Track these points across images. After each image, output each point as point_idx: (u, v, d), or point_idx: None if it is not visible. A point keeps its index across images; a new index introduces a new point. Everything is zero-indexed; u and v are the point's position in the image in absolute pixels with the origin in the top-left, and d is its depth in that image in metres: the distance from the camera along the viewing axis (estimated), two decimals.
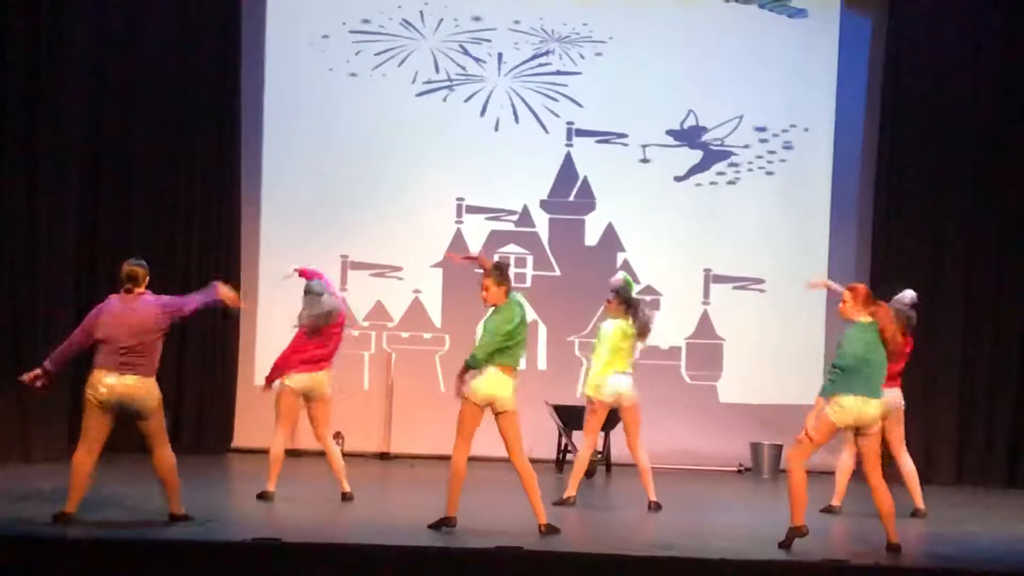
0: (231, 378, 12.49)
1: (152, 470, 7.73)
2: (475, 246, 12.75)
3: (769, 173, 13.02)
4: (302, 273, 9.31)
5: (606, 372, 9.21)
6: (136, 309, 7.57)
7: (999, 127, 12.42)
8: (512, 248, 12.89)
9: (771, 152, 13.02)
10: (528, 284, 12.80)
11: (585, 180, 12.97)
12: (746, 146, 13.00)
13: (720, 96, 12.95)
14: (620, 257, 12.93)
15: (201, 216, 12.49)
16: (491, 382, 7.69)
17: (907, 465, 9.45)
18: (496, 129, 12.93)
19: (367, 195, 12.78)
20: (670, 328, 12.75)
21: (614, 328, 9.29)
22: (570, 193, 13.00)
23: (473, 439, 7.81)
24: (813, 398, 7.81)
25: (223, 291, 7.91)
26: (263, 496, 8.96)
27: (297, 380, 9.01)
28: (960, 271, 12.46)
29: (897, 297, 9.18)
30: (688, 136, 13.00)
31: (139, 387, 7.51)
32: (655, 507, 9.30)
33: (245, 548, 6.79)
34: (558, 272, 12.97)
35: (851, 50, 12.92)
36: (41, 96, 10.91)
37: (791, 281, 12.83)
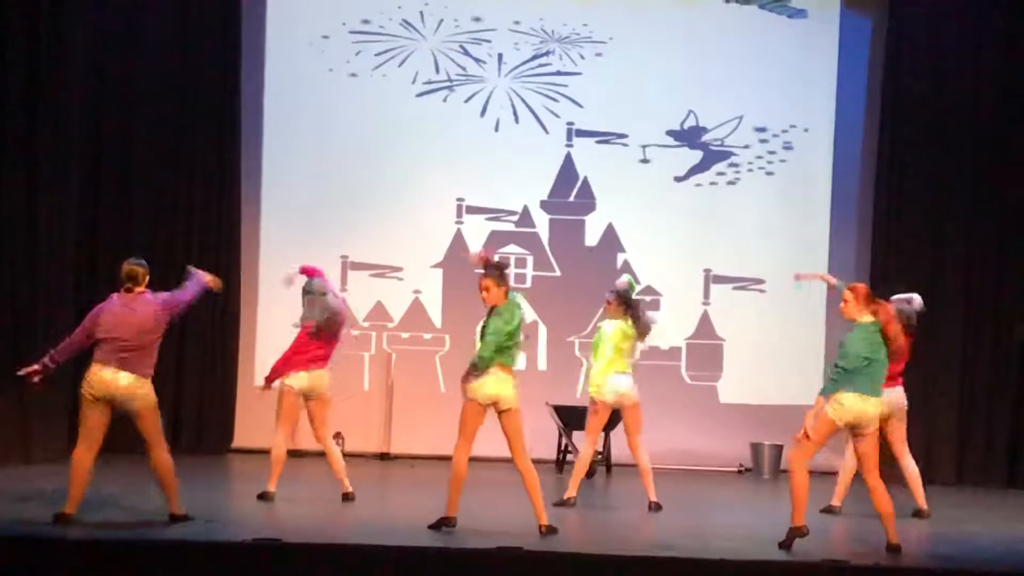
0: (231, 378, 12.49)
1: (151, 471, 7.73)
2: (475, 247, 12.75)
3: (769, 173, 13.02)
4: (304, 271, 9.30)
5: (608, 373, 9.22)
6: (137, 308, 7.58)
7: (999, 127, 12.42)
8: (512, 248, 12.89)
9: (771, 152, 13.02)
10: (528, 284, 12.81)
11: (585, 180, 12.97)
12: (746, 146, 13.00)
13: (720, 96, 12.95)
14: (620, 257, 12.94)
15: (201, 216, 12.49)
16: (493, 381, 7.70)
17: (910, 465, 9.45)
18: (496, 129, 12.93)
19: (367, 195, 12.78)
20: (670, 328, 12.75)
21: (614, 329, 9.29)
22: (570, 193, 13.00)
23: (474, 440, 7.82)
24: (813, 398, 7.80)
25: (205, 277, 7.93)
26: (263, 496, 8.96)
27: (298, 379, 9.01)
28: (960, 271, 12.47)
29: (897, 296, 9.17)
30: (688, 136, 13.00)
31: (134, 386, 7.51)
32: (655, 507, 9.30)
33: (245, 548, 6.78)
34: (558, 272, 12.97)
35: (851, 50, 12.92)
36: (41, 96, 10.90)
37: (791, 281, 12.81)
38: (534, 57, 12.98)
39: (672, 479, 11.12)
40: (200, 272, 8.01)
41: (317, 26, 12.85)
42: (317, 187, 12.78)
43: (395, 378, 12.71)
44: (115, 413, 7.59)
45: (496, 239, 12.85)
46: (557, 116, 12.97)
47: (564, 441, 11.91)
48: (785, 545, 7.56)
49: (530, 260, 12.93)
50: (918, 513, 9.39)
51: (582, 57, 12.98)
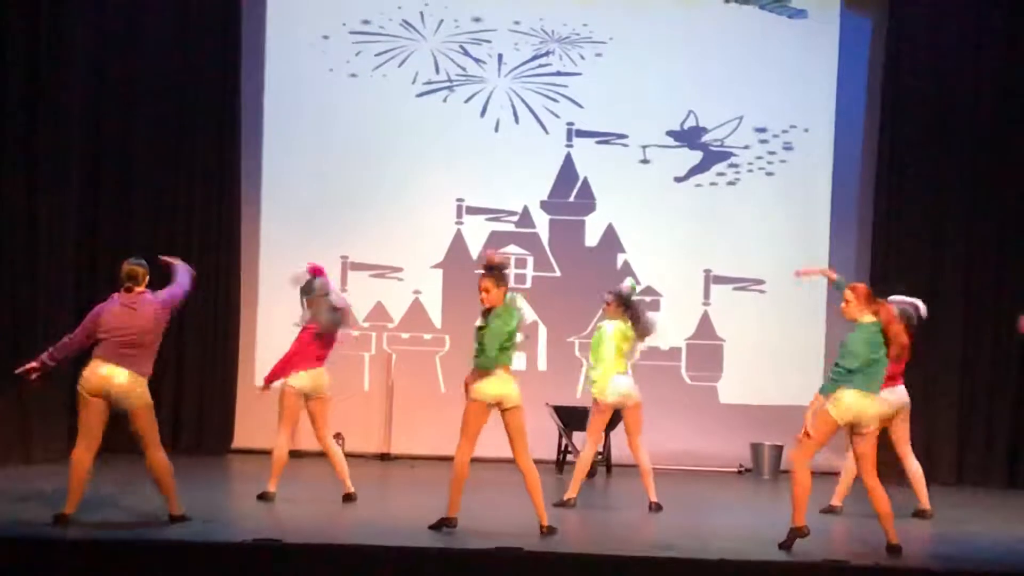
0: (231, 378, 12.49)
1: (148, 472, 7.72)
2: (475, 247, 12.76)
3: (769, 174, 13.02)
4: (312, 270, 9.27)
5: (611, 373, 9.22)
6: (138, 308, 7.59)
7: (999, 127, 12.42)
8: (512, 249, 12.88)
9: (771, 153, 13.02)
10: (528, 285, 12.81)
11: (585, 181, 12.97)
12: (746, 147, 13.00)
13: (720, 97, 12.95)
14: (620, 258, 12.93)
15: (201, 216, 12.49)
16: (497, 381, 7.71)
17: (913, 465, 9.45)
18: (496, 130, 12.93)
19: (367, 196, 12.78)
20: (670, 329, 12.74)
21: (615, 329, 9.30)
22: (570, 194, 12.99)
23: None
24: (812, 396, 7.79)
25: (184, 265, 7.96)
26: (263, 497, 8.95)
27: (299, 380, 9.00)
28: (960, 271, 12.47)
29: (898, 298, 9.16)
30: (688, 137, 13.00)
31: (130, 384, 7.50)
32: (656, 508, 9.30)
33: (246, 549, 6.78)
34: (558, 273, 12.96)
35: (851, 50, 12.92)
36: (41, 96, 10.90)
37: (791, 282, 12.80)
38: (534, 57, 12.97)
39: (672, 479, 11.12)
40: (180, 262, 7.97)
41: (317, 26, 12.85)
42: (317, 187, 12.78)
43: (395, 378, 12.70)
44: (113, 412, 7.59)
45: (496, 239, 12.85)
46: (557, 116, 12.97)
47: (564, 442, 11.91)
48: (785, 545, 7.56)
49: (530, 260, 12.93)
50: (920, 513, 9.39)
51: (582, 57, 12.97)
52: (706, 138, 13.00)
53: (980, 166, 12.45)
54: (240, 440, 12.42)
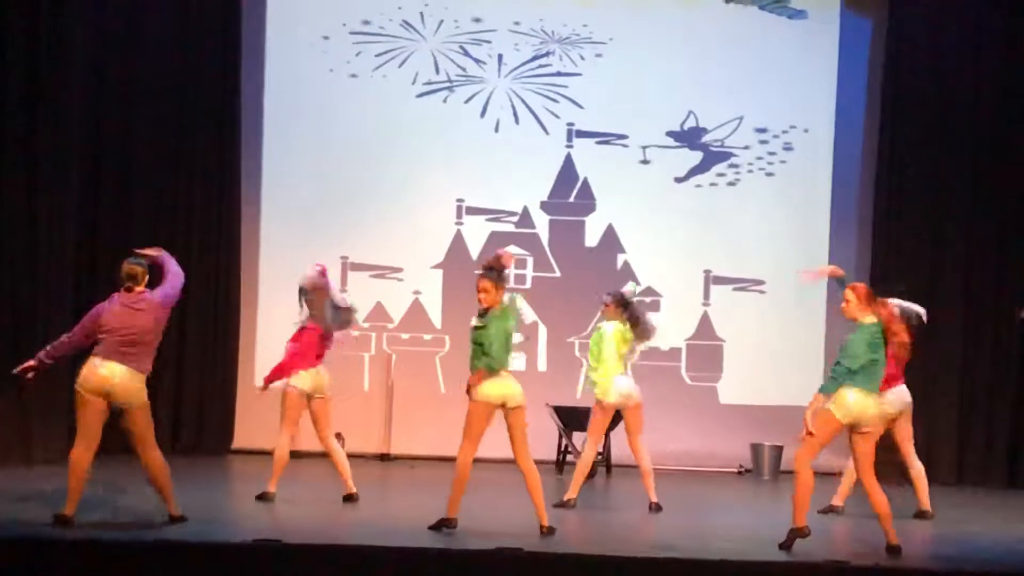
0: (231, 379, 12.48)
1: (145, 474, 7.71)
2: (475, 247, 12.77)
3: (769, 174, 13.02)
4: (323, 271, 9.26)
5: (613, 374, 9.22)
6: (138, 307, 7.59)
7: (999, 127, 12.43)
8: (512, 249, 12.77)
9: (771, 153, 13.02)
10: (528, 285, 12.81)
11: (585, 181, 12.97)
12: (746, 147, 13.00)
13: (720, 97, 12.95)
14: (620, 258, 12.93)
15: (201, 216, 12.48)
16: (500, 382, 7.72)
17: (916, 466, 9.45)
18: (496, 130, 12.93)
19: (367, 196, 12.77)
20: (670, 329, 12.72)
21: (615, 330, 9.30)
22: (570, 194, 12.99)
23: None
24: (812, 396, 7.79)
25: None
26: (263, 497, 8.95)
27: (302, 379, 8.99)
28: (960, 271, 12.47)
29: (898, 301, 9.16)
30: (688, 137, 13.00)
31: (132, 381, 7.51)
32: (656, 508, 9.30)
33: (246, 549, 6.78)
34: (558, 273, 12.96)
35: (851, 51, 12.92)
36: (41, 96, 10.90)
37: (791, 282, 12.82)
38: (534, 58, 12.97)
39: (672, 480, 11.12)
40: (162, 252, 7.90)
41: (317, 26, 12.85)
42: (317, 187, 12.78)
43: (395, 379, 12.70)
44: (111, 412, 7.59)
45: (496, 240, 12.83)
46: (557, 117, 12.97)
47: (564, 442, 11.91)
48: (786, 546, 7.56)
49: (530, 261, 12.93)
50: (921, 514, 9.39)
51: (582, 58, 12.97)
52: (706, 138, 13.00)
53: (980, 166, 12.45)
54: (240, 440, 12.42)
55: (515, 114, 12.96)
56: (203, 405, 12.42)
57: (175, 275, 7.82)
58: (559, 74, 12.97)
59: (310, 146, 12.81)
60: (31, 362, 7.63)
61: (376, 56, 12.88)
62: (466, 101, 12.92)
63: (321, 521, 8.41)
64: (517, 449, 7.82)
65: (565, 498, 9.30)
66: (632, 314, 9.31)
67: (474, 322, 7.87)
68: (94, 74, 11.97)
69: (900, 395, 9.29)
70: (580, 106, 12.96)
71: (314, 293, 9.07)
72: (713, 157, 13.00)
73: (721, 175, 13.00)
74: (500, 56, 12.95)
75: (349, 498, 9.10)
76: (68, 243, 11.31)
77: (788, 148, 13.00)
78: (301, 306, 9.16)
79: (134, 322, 7.55)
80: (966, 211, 12.46)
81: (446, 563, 6.83)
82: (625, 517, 9.31)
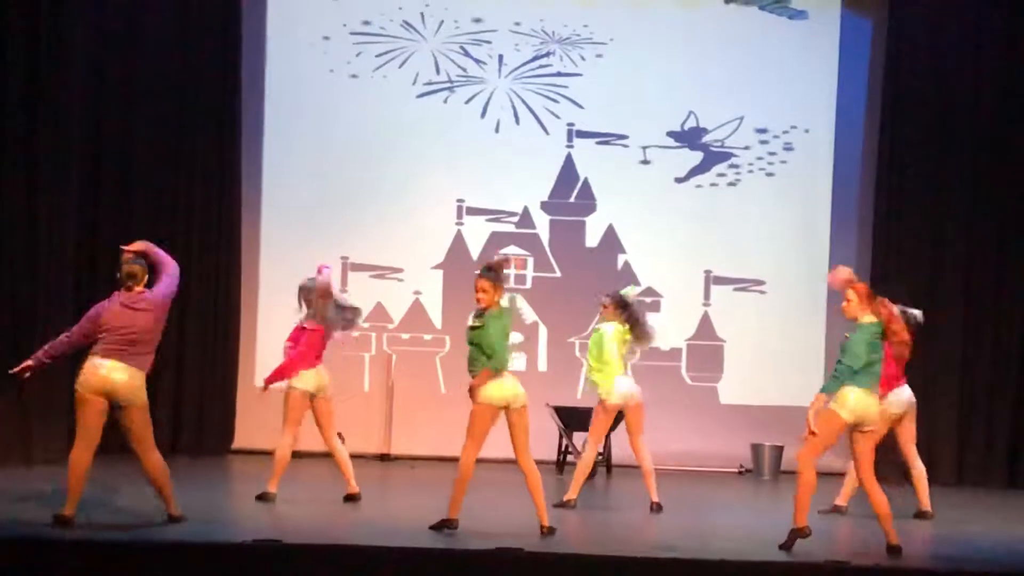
0: (231, 379, 12.48)
1: (144, 474, 7.71)
2: (476, 248, 12.77)
3: (770, 174, 13.02)
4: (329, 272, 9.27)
5: (615, 375, 9.22)
6: (139, 306, 7.59)
7: (999, 127, 12.43)
8: (513, 250, 12.88)
9: (771, 153, 13.02)
10: (529, 285, 12.82)
11: (586, 181, 12.97)
12: (746, 147, 13.00)
13: (720, 97, 12.95)
14: (621, 259, 12.94)
15: (201, 216, 12.48)
16: (505, 383, 7.72)
17: (917, 466, 9.44)
18: (497, 131, 12.93)
19: (367, 196, 12.77)
20: (671, 329, 12.76)
21: (615, 331, 9.31)
22: (571, 194, 12.99)
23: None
24: (814, 396, 7.78)
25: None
26: (263, 497, 8.94)
27: (305, 380, 8.98)
28: (960, 271, 12.47)
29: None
30: (688, 137, 13.00)
31: (133, 379, 7.52)
32: (657, 508, 9.30)
33: (246, 549, 6.78)
34: (559, 274, 12.96)
35: (851, 51, 12.92)
36: (41, 96, 10.89)
37: (792, 282, 12.86)
38: (534, 58, 12.97)
39: (672, 480, 11.11)
40: (151, 246, 7.85)
41: (318, 27, 12.85)
42: (317, 188, 12.78)
43: (395, 379, 12.70)
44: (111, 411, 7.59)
45: (496, 240, 12.85)
46: (557, 117, 12.97)
47: (564, 442, 11.90)
48: (786, 546, 7.55)
49: (530, 261, 12.93)
50: (921, 514, 9.39)
51: (582, 58, 12.97)
52: (706, 139, 13.00)
53: (980, 166, 12.45)
54: (240, 441, 12.42)
55: (515, 114, 12.96)
56: (203, 405, 12.42)
57: (169, 265, 7.78)
58: (559, 74, 12.97)
59: (310, 146, 12.81)
60: (29, 362, 7.62)
61: (376, 56, 12.88)
62: (466, 101, 12.92)
63: (321, 521, 8.41)
64: (518, 449, 7.81)
65: (565, 498, 9.29)
66: (631, 316, 9.32)
67: (471, 322, 7.88)
68: (94, 74, 11.97)
69: (904, 395, 9.29)
70: (580, 106, 12.96)
71: (321, 295, 9.06)
72: (713, 157, 13.00)
73: (721, 175, 13.00)
74: (500, 56, 12.95)
75: (352, 498, 9.10)
76: (68, 243, 11.30)
77: (788, 148, 13.00)
78: (300, 306, 9.15)
79: (135, 322, 7.55)
80: (966, 211, 12.46)
81: (446, 563, 6.83)
82: (625, 517, 9.31)
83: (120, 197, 12.23)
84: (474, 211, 12.90)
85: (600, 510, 9.78)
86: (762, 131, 13.00)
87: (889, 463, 9.99)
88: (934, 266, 12.47)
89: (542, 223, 12.97)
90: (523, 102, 12.96)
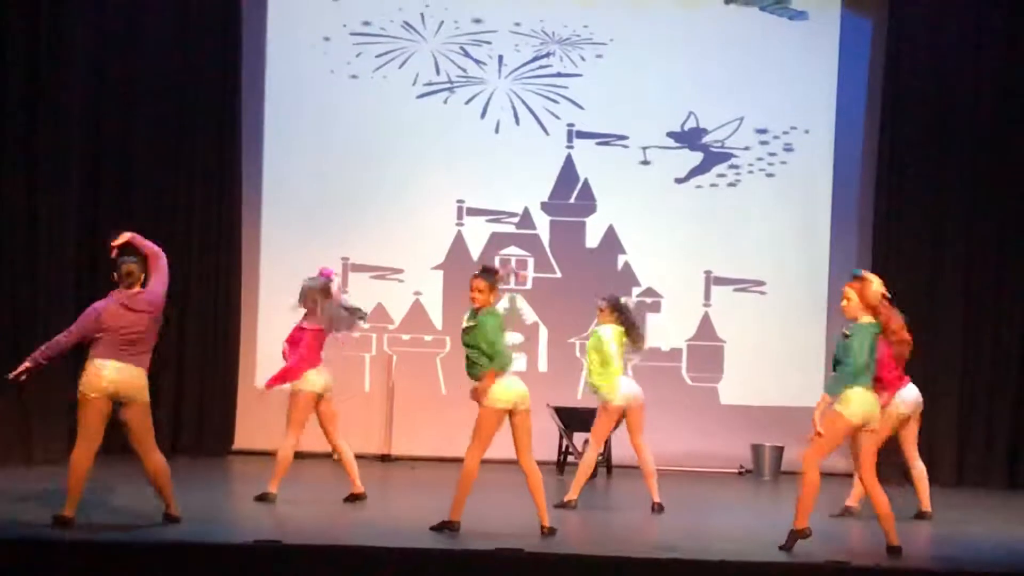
0: (232, 379, 12.47)
1: (146, 475, 7.71)
2: (476, 249, 12.77)
3: (770, 175, 13.01)
4: (327, 274, 9.26)
5: (617, 376, 9.23)
6: (137, 306, 7.62)
7: (999, 127, 12.43)
8: (513, 250, 12.88)
9: (772, 154, 13.01)
10: (529, 286, 12.81)
11: (586, 182, 12.96)
12: (747, 148, 13.00)
13: (721, 98, 12.94)
14: (621, 259, 12.93)
15: (201, 216, 12.48)
16: (511, 385, 7.72)
17: (918, 466, 9.44)
18: (497, 131, 12.92)
19: (368, 197, 12.77)
20: (671, 330, 12.77)
21: (614, 333, 9.31)
22: (571, 195, 12.99)
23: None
24: (814, 399, 7.79)
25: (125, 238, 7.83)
26: (264, 498, 8.93)
27: (313, 381, 8.97)
28: (960, 271, 12.47)
29: None
30: (689, 138, 13.00)
31: (136, 377, 7.55)
32: (658, 508, 9.30)
33: (246, 550, 6.78)
34: (559, 274, 12.96)
35: (851, 51, 12.92)
36: (41, 96, 10.90)
37: (792, 283, 12.86)
38: (534, 59, 12.97)
39: (673, 480, 11.10)
40: (136, 237, 7.81)
41: (318, 27, 12.84)
42: (317, 188, 12.78)
43: (396, 380, 12.70)
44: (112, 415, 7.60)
45: (497, 241, 12.85)
46: (557, 118, 12.96)
47: (565, 443, 11.90)
48: (787, 547, 7.55)
49: (531, 262, 12.92)
50: (921, 515, 9.38)
51: (582, 59, 12.97)
52: (706, 139, 13.00)
53: (980, 166, 12.45)
54: (240, 441, 12.41)
55: (515, 115, 12.95)
56: (203, 406, 12.41)
57: (159, 257, 7.76)
58: (559, 75, 12.97)
59: (310, 147, 12.80)
60: (27, 363, 7.62)
61: (376, 57, 12.88)
62: (466, 102, 12.92)
63: (321, 522, 8.41)
64: (520, 450, 7.81)
65: (566, 499, 9.29)
66: (627, 318, 9.35)
67: (465, 323, 7.88)
68: (94, 74, 11.97)
69: (912, 395, 9.28)
70: (580, 107, 12.96)
71: (326, 298, 9.05)
72: (713, 158, 12.99)
73: (722, 176, 13.00)
74: (500, 57, 12.95)
75: (357, 498, 9.09)
76: (68, 243, 11.30)
77: (788, 149, 13.00)
78: (302, 306, 9.13)
79: (134, 321, 7.57)
80: (966, 211, 12.46)
81: (447, 564, 6.83)
82: (625, 518, 9.31)
83: (120, 197, 12.23)
84: (474, 212, 12.90)
85: (600, 511, 9.77)
86: (762, 131, 12.99)
87: (890, 464, 9.97)
88: (934, 266, 12.47)
89: (542, 224, 12.96)
90: (523, 103, 12.96)
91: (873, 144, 12.76)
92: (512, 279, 8.08)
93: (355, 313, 9.14)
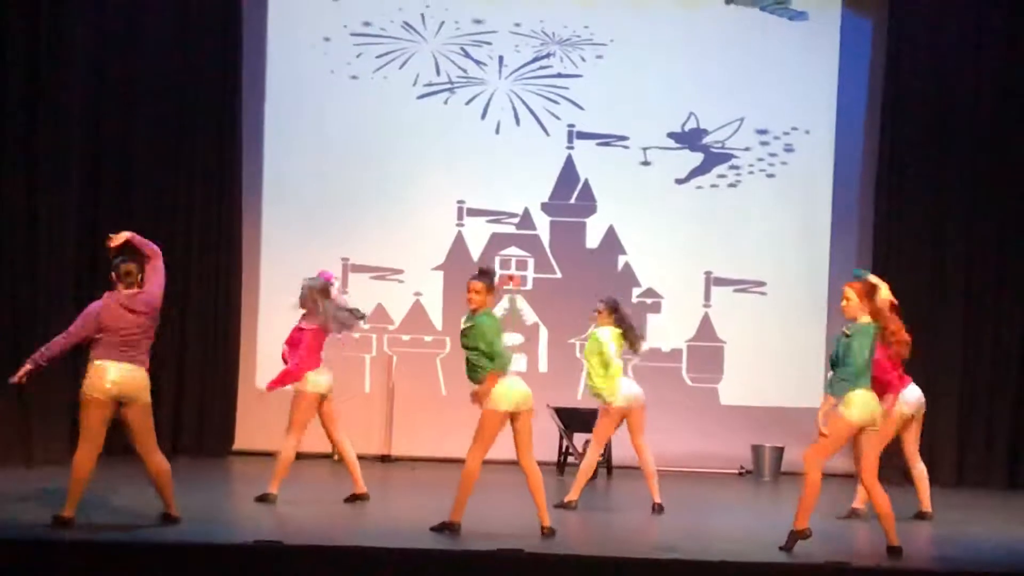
0: (232, 380, 12.47)
1: (147, 475, 7.71)
2: (476, 249, 12.77)
3: (770, 175, 13.01)
4: (327, 277, 9.26)
5: (618, 376, 9.23)
6: (136, 305, 7.64)
7: (999, 127, 12.43)
8: (513, 251, 12.88)
9: (772, 155, 13.01)
10: (529, 287, 12.81)
11: (586, 183, 12.96)
12: (747, 148, 12.99)
13: (721, 98, 12.94)
14: (621, 260, 12.93)
15: (201, 216, 12.47)
16: (513, 386, 7.72)
17: (919, 467, 9.44)
18: (497, 132, 12.92)
19: (368, 197, 12.77)
20: (671, 331, 12.77)
21: (612, 334, 9.32)
22: (571, 196, 12.99)
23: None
24: (814, 400, 7.80)
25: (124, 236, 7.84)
26: (264, 498, 8.93)
27: (315, 382, 8.96)
28: (960, 271, 12.47)
29: None
30: (689, 138, 12.99)
31: (140, 377, 7.57)
32: (659, 509, 9.30)
33: (246, 550, 6.78)
34: (559, 275, 12.95)
35: (851, 51, 12.92)
36: (41, 96, 10.89)
37: (792, 283, 12.86)
38: (535, 59, 12.96)
39: (673, 481, 11.09)
40: (128, 234, 7.82)
41: (318, 28, 12.84)
42: (318, 188, 12.77)
43: (396, 380, 12.69)
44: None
45: (497, 241, 12.85)
46: (558, 118, 12.96)
47: (565, 443, 11.90)
48: (787, 547, 7.55)
49: (531, 262, 12.92)
50: (921, 515, 9.38)
51: (583, 59, 12.96)
52: (707, 140, 13.00)
53: (980, 166, 12.45)
54: (241, 442, 12.40)
55: (516, 115, 12.95)
56: (204, 406, 12.40)
57: (156, 256, 7.77)
58: (560, 75, 12.96)
59: (311, 147, 12.80)
60: (27, 366, 7.62)
61: (377, 57, 12.87)
62: (467, 103, 12.92)
63: (322, 522, 8.41)
64: (521, 450, 7.81)
65: (566, 499, 9.29)
66: (624, 320, 9.37)
67: (462, 325, 7.89)
68: (94, 74, 11.96)
69: (915, 395, 9.28)
70: (581, 107, 12.96)
71: (326, 297, 9.05)
72: (714, 158, 12.99)
73: (722, 176, 12.99)
74: (501, 58, 12.95)
75: (359, 498, 9.09)
76: (68, 243, 11.30)
77: (789, 149, 13.00)
78: (302, 305, 9.13)
79: (134, 320, 7.59)
80: (966, 211, 12.46)
81: (447, 564, 6.83)
82: (626, 518, 9.31)
83: (120, 197, 12.22)
84: (474, 212, 12.90)
85: (601, 511, 9.77)
86: (762, 132, 12.99)
87: (890, 464, 9.97)
88: (934, 266, 12.47)
89: (542, 224, 12.96)
90: (523, 103, 12.96)
91: (873, 144, 12.76)
92: (510, 286, 8.07)
93: (354, 313, 9.15)
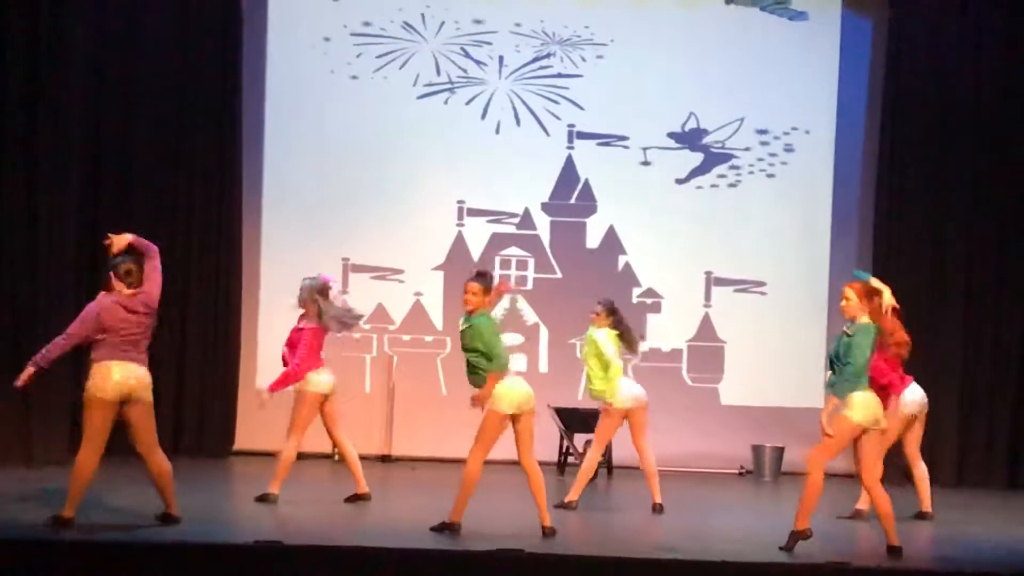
0: (232, 380, 12.46)
1: (149, 475, 7.71)
2: (476, 249, 12.77)
3: (770, 175, 13.01)
4: (325, 279, 9.27)
5: (618, 377, 9.23)
6: (136, 305, 7.64)
7: (999, 127, 12.43)
8: (513, 251, 12.88)
9: (772, 155, 13.01)
10: (529, 287, 12.81)
11: (586, 183, 12.96)
12: (747, 148, 12.99)
13: (721, 98, 12.94)
14: (621, 260, 12.93)
15: (201, 216, 12.47)
16: (515, 387, 7.72)
17: (920, 467, 9.44)
18: (497, 132, 12.92)
19: (368, 197, 12.77)
20: (671, 331, 12.77)
21: (610, 335, 9.33)
22: (571, 196, 12.98)
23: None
24: (814, 400, 7.80)
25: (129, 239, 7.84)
26: (264, 499, 8.93)
27: (319, 383, 8.96)
28: (960, 271, 12.48)
29: None
30: (689, 138, 12.99)
31: (142, 377, 7.59)
32: (659, 509, 9.30)
33: (246, 550, 6.78)
34: (559, 275, 12.95)
35: (851, 51, 12.92)
36: (41, 96, 10.89)
37: (792, 283, 12.85)
38: (535, 59, 12.96)
39: (673, 481, 11.09)
40: (130, 236, 7.82)
41: (318, 28, 12.84)
42: (318, 188, 12.77)
43: (396, 380, 12.69)
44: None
45: (497, 241, 12.85)
46: (558, 118, 12.96)
47: (565, 443, 11.90)
48: (787, 547, 7.55)
49: (531, 262, 12.92)
50: (922, 515, 9.38)
51: (583, 59, 12.96)
52: (707, 140, 12.99)
53: (980, 166, 12.45)
54: (241, 442, 12.40)
55: (516, 115, 12.95)
56: (204, 406, 12.40)
57: (154, 257, 7.78)
58: (560, 75, 12.96)
59: (311, 147, 12.80)
60: (29, 368, 7.61)
61: (377, 57, 12.87)
62: (467, 103, 12.92)
63: (322, 522, 8.41)
64: (522, 450, 7.82)
65: (566, 500, 9.29)
66: (621, 322, 9.38)
67: (460, 327, 7.89)
68: (94, 74, 11.96)
69: (918, 395, 9.27)
70: (581, 107, 12.95)
71: (325, 297, 9.05)
72: (714, 158, 12.99)
73: (722, 176, 12.99)
74: (501, 58, 12.95)
75: (361, 498, 9.09)
76: (68, 243, 11.29)
77: (789, 149, 13.00)
78: (301, 305, 9.13)
79: (135, 321, 7.60)
80: (966, 211, 12.46)
81: (447, 564, 6.83)
82: (626, 518, 9.31)
83: (120, 197, 12.22)
84: (475, 212, 12.89)
85: (601, 511, 9.77)
86: (762, 132, 12.99)
87: (891, 464, 9.96)
88: (934, 266, 12.47)
89: (543, 224, 12.96)
90: (523, 103, 12.96)
91: (873, 144, 12.76)
92: (509, 291, 8.09)
93: (352, 313, 9.14)
